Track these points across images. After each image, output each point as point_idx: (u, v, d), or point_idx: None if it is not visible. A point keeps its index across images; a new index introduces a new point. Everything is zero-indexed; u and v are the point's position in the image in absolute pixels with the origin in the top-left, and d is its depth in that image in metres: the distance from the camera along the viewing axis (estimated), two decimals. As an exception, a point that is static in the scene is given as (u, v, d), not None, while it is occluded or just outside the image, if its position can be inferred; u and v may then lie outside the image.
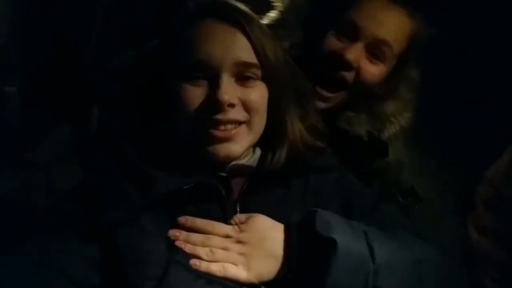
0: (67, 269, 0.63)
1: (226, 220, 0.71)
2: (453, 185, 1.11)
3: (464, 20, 1.19)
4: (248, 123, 0.73)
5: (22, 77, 0.98)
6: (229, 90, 0.69)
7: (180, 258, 0.64)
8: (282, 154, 0.77)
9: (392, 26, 1.01)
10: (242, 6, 0.76)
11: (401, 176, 1.12)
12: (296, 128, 0.80)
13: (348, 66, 0.99)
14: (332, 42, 1.02)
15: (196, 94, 0.70)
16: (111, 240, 0.65)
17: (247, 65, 0.72)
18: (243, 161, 0.76)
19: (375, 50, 1.01)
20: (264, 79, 0.74)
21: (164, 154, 0.72)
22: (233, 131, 0.71)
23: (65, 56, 1.01)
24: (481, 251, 0.95)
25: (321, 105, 1.01)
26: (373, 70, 1.02)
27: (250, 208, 0.72)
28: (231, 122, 0.71)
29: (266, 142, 0.79)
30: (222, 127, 0.70)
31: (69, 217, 0.69)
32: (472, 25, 1.19)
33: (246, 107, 0.72)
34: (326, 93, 1.02)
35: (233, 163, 0.74)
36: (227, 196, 0.72)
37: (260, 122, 0.75)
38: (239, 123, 0.72)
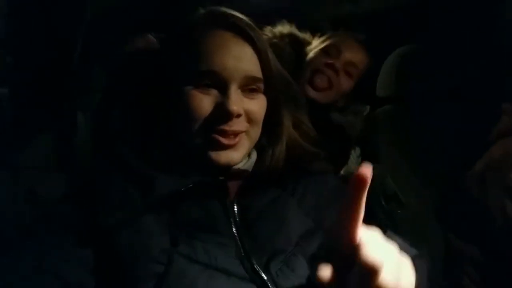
0: (63, 273, 0.64)
1: (227, 218, 0.72)
2: (435, 190, 1.13)
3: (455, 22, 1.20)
4: (247, 132, 0.76)
5: (15, 79, 0.98)
6: (237, 101, 0.72)
7: (184, 251, 0.65)
8: (279, 158, 0.80)
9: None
10: (252, 22, 0.79)
11: (385, 181, 1.17)
12: (291, 135, 0.83)
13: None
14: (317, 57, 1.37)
15: (204, 101, 0.72)
16: (111, 241, 0.65)
17: (255, 79, 0.75)
18: (240, 165, 0.78)
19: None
20: (265, 91, 0.78)
21: (163, 155, 0.74)
22: (236, 139, 0.74)
23: (56, 56, 1.01)
24: (461, 255, 0.97)
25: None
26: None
27: (247, 206, 0.74)
28: (235, 133, 0.73)
29: (263, 147, 0.82)
30: (227, 135, 0.73)
31: (66, 220, 0.69)
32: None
33: (249, 117, 0.75)
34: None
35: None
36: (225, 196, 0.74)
37: (258, 131, 0.79)
38: (241, 132, 0.75)
